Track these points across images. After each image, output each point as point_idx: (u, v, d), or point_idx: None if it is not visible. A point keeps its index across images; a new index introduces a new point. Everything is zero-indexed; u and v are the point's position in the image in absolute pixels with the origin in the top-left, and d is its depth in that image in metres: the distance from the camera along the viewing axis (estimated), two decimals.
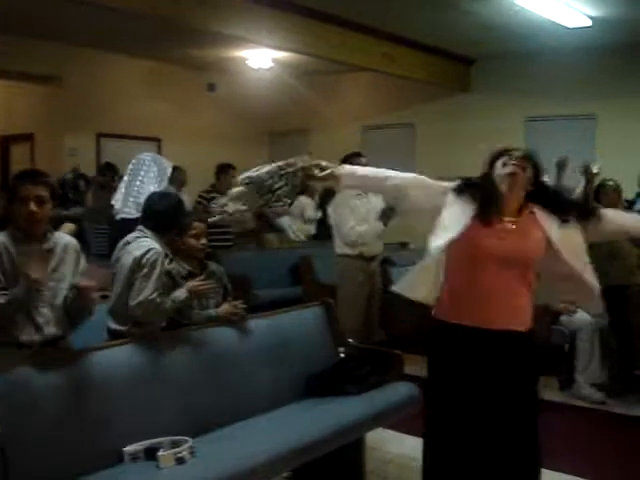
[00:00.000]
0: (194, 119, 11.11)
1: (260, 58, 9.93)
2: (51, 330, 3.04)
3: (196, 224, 3.86)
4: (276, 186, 2.85)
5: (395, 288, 2.93)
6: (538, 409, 2.94)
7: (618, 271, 5.41)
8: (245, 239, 9.04)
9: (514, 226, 2.79)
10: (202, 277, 3.67)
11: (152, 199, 3.74)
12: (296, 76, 10.69)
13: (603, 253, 5.51)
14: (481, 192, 2.82)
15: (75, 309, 3.09)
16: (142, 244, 3.43)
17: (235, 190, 3.03)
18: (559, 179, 6.23)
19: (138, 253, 3.37)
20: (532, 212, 2.82)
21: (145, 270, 3.33)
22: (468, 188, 2.84)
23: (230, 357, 3.59)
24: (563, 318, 5.61)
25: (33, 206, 2.94)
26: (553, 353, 5.76)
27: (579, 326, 5.55)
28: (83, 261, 3.19)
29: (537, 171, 2.86)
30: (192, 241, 3.79)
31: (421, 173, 3.01)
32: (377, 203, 5.55)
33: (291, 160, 2.90)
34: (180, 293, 3.49)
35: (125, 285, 3.39)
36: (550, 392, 5.60)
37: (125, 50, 9.77)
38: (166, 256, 3.48)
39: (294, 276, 7.96)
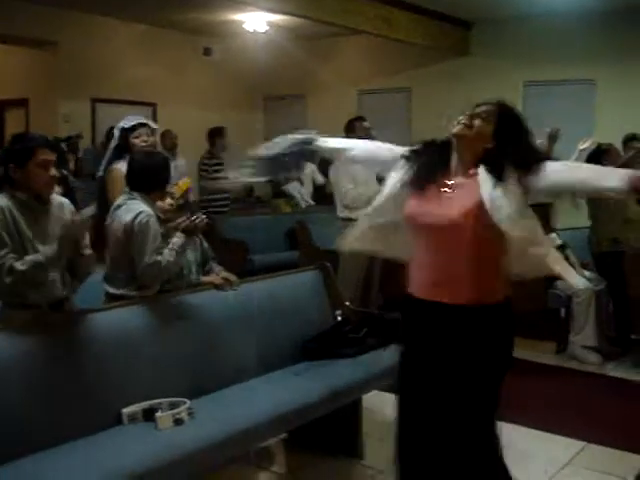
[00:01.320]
0: (190, 83, 11.02)
1: (256, 21, 9.84)
2: (58, 291, 3.04)
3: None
4: (283, 163, 2.87)
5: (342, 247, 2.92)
6: (495, 387, 2.63)
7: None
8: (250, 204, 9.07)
9: (449, 191, 2.56)
10: (185, 216, 3.54)
11: (136, 159, 3.66)
12: (292, 40, 10.59)
13: (617, 219, 5.56)
14: (425, 156, 2.65)
15: (76, 267, 3.08)
16: (131, 207, 3.40)
17: (246, 169, 2.95)
18: (550, 151, 6.23)
19: (128, 218, 3.33)
20: (477, 174, 2.52)
21: (139, 235, 3.30)
22: (417, 153, 2.68)
23: (227, 320, 3.60)
24: (559, 282, 5.63)
25: (54, 171, 3.00)
26: (549, 317, 5.80)
27: (575, 290, 5.57)
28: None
29: (504, 125, 2.55)
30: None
31: (417, 138, 2.95)
32: None
33: (300, 136, 2.86)
34: (176, 239, 3.39)
35: (119, 251, 3.37)
36: (546, 356, 5.65)
37: (121, 14, 9.66)
38: (158, 218, 3.44)
39: (290, 241, 7.98)
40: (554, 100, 9.07)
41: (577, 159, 6.40)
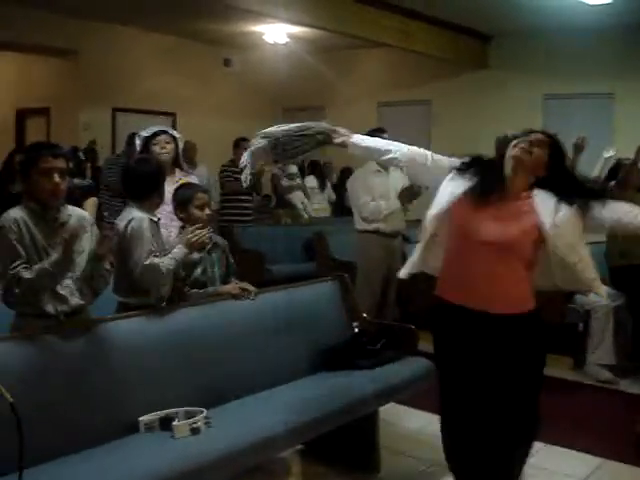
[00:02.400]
0: (209, 94, 11.10)
1: (276, 33, 9.90)
2: (75, 301, 3.05)
3: (200, 195, 3.84)
4: (291, 145, 2.99)
5: (401, 275, 3.00)
6: (538, 388, 2.89)
7: None
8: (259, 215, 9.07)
9: (508, 210, 2.74)
10: (193, 227, 3.54)
11: (130, 166, 3.66)
12: (312, 52, 10.64)
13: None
14: (481, 173, 2.80)
15: (97, 278, 3.09)
16: (124, 215, 3.42)
17: (253, 145, 3.12)
18: (576, 161, 6.20)
19: (122, 225, 3.35)
20: (531, 196, 2.75)
21: (132, 240, 3.29)
22: (471, 167, 2.83)
23: (244, 330, 3.61)
24: (578, 297, 5.60)
25: (57, 178, 2.93)
26: (567, 332, 5.75)
27: (593, 306, 5.53)
28: (97, 231, 3.20)
29: (556, 156, 2.78)
30: (197, 212, 3.78)
31: (436, 151, 3.00)
32: (398, 180, 5.53)
33: (310, 123, 3.02)
34: (177, 250, 3.39)
35: (118, 259, 3.35)
36: (563, 370, 5.61)
37: (142, 25, 9.76)
38: (152, 221, 3.43)
39: (308, 252, 7.98)
40: (573, 113, 9.03)
41: (602, 167, 6.38)
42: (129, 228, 3.32)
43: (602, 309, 5.49)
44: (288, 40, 10.08)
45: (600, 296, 3.04)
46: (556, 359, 5.70)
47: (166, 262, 3.33)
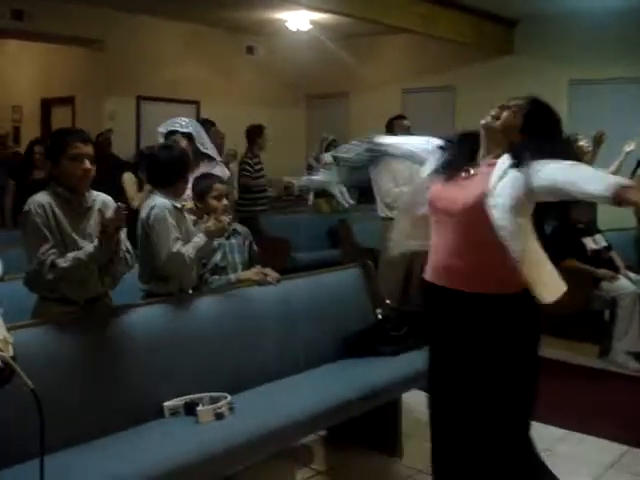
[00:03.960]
0: (233, 82, 11.10)
1: (298, 20, 9.86)
2: (96, 288, 3.08)
3: (217, 185, 3.85)
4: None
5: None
6: (525, 376, 2.59)
7: None
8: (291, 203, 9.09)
9: (470, 180, 2.57)
10: (212, 215, 3.58)
11: (153, 153, 3.67)
12: (334, 39, 10.60)
13: None
14: (455, 147, 2.71)
15: (117, 262, 3.08)
16: (147, 203, 3.43)
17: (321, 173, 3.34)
18: (595, 154, 6.16)
19: (144, 214, 3.36)
20: (495, 163, 2.53)
21: (156, 227, 3.30)
22: (452, 143, 2.74)
23: (269, 316, 3.63)
24: (604, 284, 5.55)
25: (87, 164, 2.97)
26: (593, 319, 5.71)
27: (619, 293, 5.48)
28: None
29: (533, 120, 2.55)
30: (214, 202, 3.79)
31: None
32: None
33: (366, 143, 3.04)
34: (198, 238, 3.40)
35: (142, 247, 3.38)
36: (588, 358, 5.57)
37: (165, 14, 9.76)
38: (175, 208, 3.44)
39: (332, 239, 8.00)
40: (600, 99, 8.92)
41: (623, 161, 6.32)
42: (151, 215, 3.33)
43: (629, 296, 5.44)
44: (311, 27, 10.04)
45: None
46: (582, 347, 5.68)
47: (189, 251, 3.35)
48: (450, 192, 2.60)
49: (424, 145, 2.86)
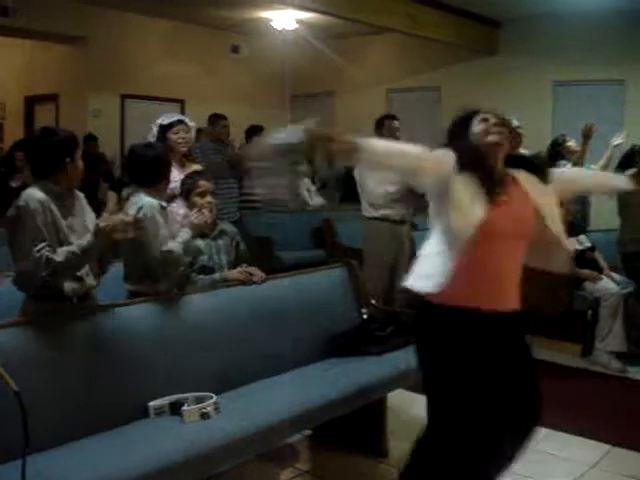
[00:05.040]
0: (218, 81, 11.07)
1: (284, 19, 9.86)
2: (89, 281, 3.08)
3: (202, 182, 3.87)
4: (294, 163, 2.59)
5: (410, 285, 2.65)
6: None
7: None
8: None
9: (510, 197, 2.59)
10: (195, 209, 3.64)
11: (135, 152, 3.63)
12: (320, 38, 10.59)
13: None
14: (478, 170, 2.56)
15: (105, 259, 3.12)
16: (133, 202, 3.42)
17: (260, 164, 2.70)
18: (585, 149, 6.19)
19: (131, 212, 3.33)
20: (514, 178, 2.64)
21: (147, 227, 3.29)
22: (463, 163, 2.55)
23: (253, 316, 3.62)
24: (587, 284, 5.59)
25: (82, 164, 3.09)
26: (575, 319, 5.75)
27: (603, 293, 5.52)
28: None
29: (510, 136, 2.70)
30: (198, 199, 3.80)
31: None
32: None
33: (287, 134, 2.55)
34: (183, 233, 3.42)
35: (131, 247, 3.34)
36: (571, 358, 5.61)
37: (149, 11, 9.73)
38: (162, 208, 3.44)
39: (316, 239, 7.99)
40: (583, 100, 8.99)
41: (611, 155, 6.35)
42: (141, 215, 3.32)
43: (612, 296, 5.49)
44: (297, 26, 10.05)
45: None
46: (564, 346, 5.72)
47: (176, 247, 3.35)
48: (506, 216, 2.55)
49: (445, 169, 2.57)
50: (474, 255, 2.51)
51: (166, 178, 3.56)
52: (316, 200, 9.08)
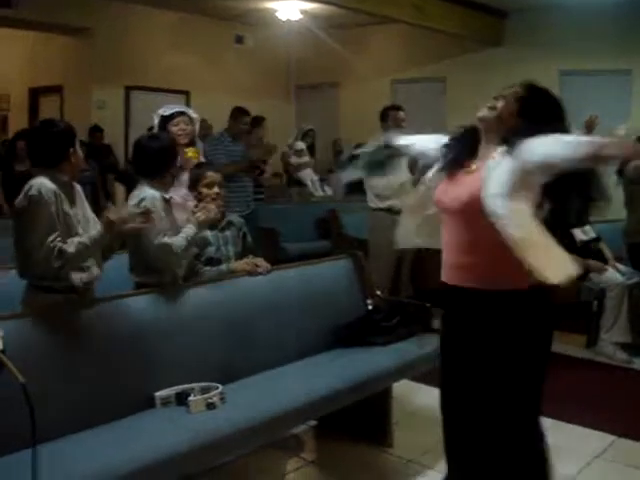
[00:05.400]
0: (222, 71, 11.06)
1: (289, 9, 9.83)
2: (95, 271, 3.08)
3: (209, 173, 3.85)
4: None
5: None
6: (533, 370, 2.63)
7: None
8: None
9: (470, 176, 2.54)
10: (201, 205, 3.62)
11: (140, 143, 3.61)
12: (325, 29, 10.57)
13: None
14: (456, 144, 2.67)
15: (110, 248, 3.12)
16: (135, 193, 3.42)
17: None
18: None
19: (132, 204, 3.34)
20: (494, 155, 2.50)
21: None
22: (454, 141, 2.71)
23: (260, 307, 3.63)
24: (592, 275, 5.58)
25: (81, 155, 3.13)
26: (581, 310, 5.74)
27: (608, 284, 5.51)
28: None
29: (524, 105, 2.52)
30: (205, 190, 3.79)
31: (453, 126, 2.93)
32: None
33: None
34: (188, 229, 3.41)
35: (133, 239, 3.35)
36: (576, 349, 5.61)
37: (154, 2, 9.71)
38: (164, 199, 3.43)
39: (322, 230, 8.00)
40: (590, 90, 8.94)
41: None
42: (142, 207, 3.31)
43: (617, 287, 5.48)
44: (301, 17, 10.02)
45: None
46: (570, 337, 5.71)
47: (178, 241, 3.34)
48: (452, 190, 2.59)
49: (435, 145, 2.82)
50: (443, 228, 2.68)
51: (170, 169, 3.55)
52: (323, 190, 9.12)
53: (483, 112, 2.55)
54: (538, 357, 2.61)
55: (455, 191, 2.57)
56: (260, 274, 3.74)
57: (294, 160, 9.29)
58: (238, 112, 6.74)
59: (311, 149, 9.87)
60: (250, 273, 3.72)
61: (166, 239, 3.30)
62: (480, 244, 2.51)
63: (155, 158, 3.48)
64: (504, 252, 2.36)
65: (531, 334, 2.56)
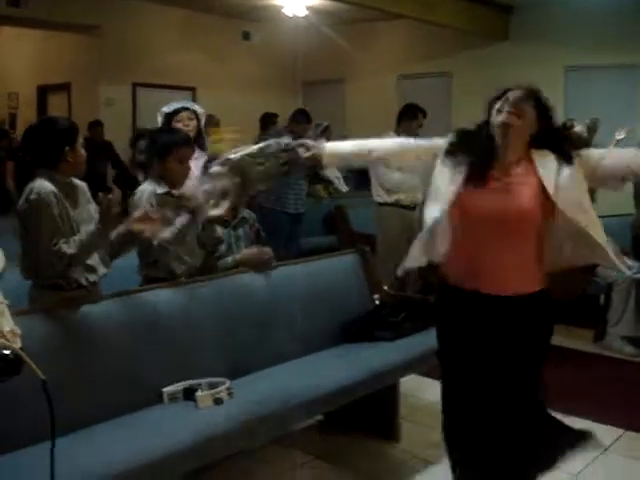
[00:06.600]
0: (229, 68, 11.07)
1: (295, 5, 9.82)
2: (102, 270, 3.10)
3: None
4: (253, 172, 2.75)
5: (400, 270, 2.89)
6: (541, 366, 2.70)
7: None
8: None
9: (509, 181, 2.52)
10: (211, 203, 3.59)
11: (154, 136, 3.65)
12: (331, 24, 10.56)
13: None
14: (472, 150, 2.57)
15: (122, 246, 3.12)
16: (138, 188, 3.47)
17: (214, 170, 2.87)
18: (590, 142, 6.16)
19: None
20: (531, 160, 2.53)
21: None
22: (460, 146, 2.59)
23: (267, 302, 3.64)
24: (600, 269, 5.57)
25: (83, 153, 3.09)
26: (588, 304, 5.74)
27: (615, 278, 5.51)
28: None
29: (541, 110, 2.55)
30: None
31: (459, 123, 2.90)
32: None
33: (270, 142, 2.78)
34: (182, 218, 3.36)
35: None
36: (584, 343, 5.61)
37: None
38: (169, 195, 3.43)
39: (328, 225, 8.00)
40: (596, 86, 8.92)
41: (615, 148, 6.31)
42: (132, 200, 3.38)
43: (624, 281, 5.47)
44: (307, 13, 10.01)
45: (618, 267, 2.78)
46: (577, 332, 5.71)
47: (165, 233, 3.28)
48: (493, 199, 2.53)
49: (430, 147, 2.72)
50: (467, 236, 2.56)
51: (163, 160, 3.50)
52: (343, 187, 9.15)
53: (509, 118, 2.50)
54: (545, 349, 2.69)
55: (503, 201, 2.51)
56: (267, 268, 3.73)
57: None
58: (300, 115, 6.74)
59: None
60: (256, 268, 3.71)
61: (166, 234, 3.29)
62: (524, 249, 2.55)
63: (149, 155, 3.54)
64: (535, 254, 2.55)
65: (543, 330, 2.67)
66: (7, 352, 1.82)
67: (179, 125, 4.26)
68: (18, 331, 1.96)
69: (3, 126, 10.23)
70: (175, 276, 3.41)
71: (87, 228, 2.92)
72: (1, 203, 7.13)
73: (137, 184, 3.74)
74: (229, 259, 3.78)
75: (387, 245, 5.63)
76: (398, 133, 5.76)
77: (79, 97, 10.20)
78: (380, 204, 5.77)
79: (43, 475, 2.00)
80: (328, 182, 9.18)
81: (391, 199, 5.65)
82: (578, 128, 6.28)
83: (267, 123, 7.95)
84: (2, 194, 7.33)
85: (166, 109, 4.37)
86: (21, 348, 1.90)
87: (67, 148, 2.97)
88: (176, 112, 4.32)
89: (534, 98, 2.55)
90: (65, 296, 2.99)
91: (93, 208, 3.12)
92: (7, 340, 1.87)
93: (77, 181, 3.15)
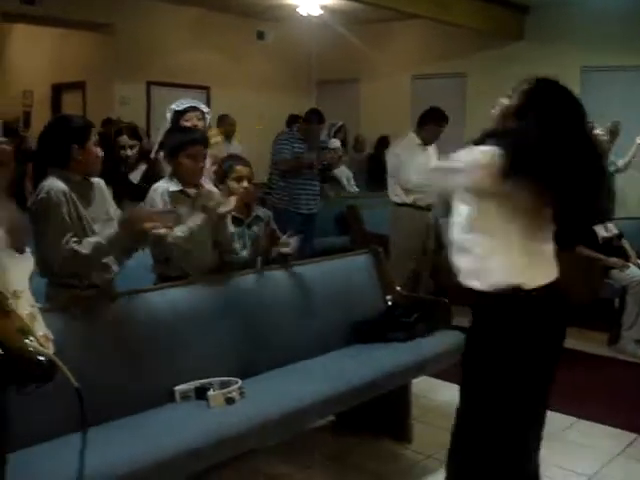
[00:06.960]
0: (243, 67, 11.08)
1: (309, 5, 9.81)
2: (116, 268, 3.10)
3: (239, 167, 3.76)
4: None
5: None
6: None
7: None
8: None
9: None
10: (222, 198, 3.55)
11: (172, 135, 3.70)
12: (345, 24, 10.54)
13: None
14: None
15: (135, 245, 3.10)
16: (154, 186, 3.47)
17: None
18: (611, 145, 6.13)
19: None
20: None
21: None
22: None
23: (280, 302, 3.64)
24: (614, 272, 5.55)
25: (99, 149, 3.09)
26: (602, 307, 5.71)
27: (630, 281, 5.48)
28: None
29: (530, 103, 2.39)
30: (233, 184, 3.70)
31: (472, 124, 2.86)
32: (434, 154, 5.53)
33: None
34: (196, 218, 3.36)
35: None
36: (598, 346, 5.58)
37: None
38: (182, 193, 3.43)
39: (341, 226, 7.99)
40: (613, 86, 8.86)
41: (635, 152, 6.29)
42: (148, 199, 3.38)
43: (639, 284, 5.43)
44: (321, 12, 9.99)
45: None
46: (591, 335, 5.68)
47: (177, 231, 3.26)
48: None
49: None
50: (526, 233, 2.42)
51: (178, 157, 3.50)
52: (353, 187, 9.15)
53: (494, 109, 2.46)
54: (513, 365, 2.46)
55: None
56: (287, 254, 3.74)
57: (330, 157, 9.26)
58: (312, 115, 6.72)
59: (342, 145, 9.83)
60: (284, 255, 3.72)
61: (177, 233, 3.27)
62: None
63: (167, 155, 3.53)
64: None
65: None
66: (42, 358, 1.81)
67: (187, 124, 4.26)
68: (51, 336, 1.96)
69: (17, 124, 10.25)
70: (187, 274, 3.40)
71: (106, 230, 2.92)
72: (21, 204, 7.14)
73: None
74: (243, 253, 3.73)
75: (401, 246, 5.61)
76: (419, 134, 5.74)
77: (94, 95, 10.23)
78: (397, 204, 5.74)
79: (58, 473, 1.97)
80: (337, 182, 9.18)
81: (409, 199, 5.63)
82: (598, 130, 6.26)
83: (292, 124, 7.98)
84: (21, 196, 7.36)
85: (175, 106, 4.36)
86: (54, 353, 1.89)
87: (76, 147, 2.96)
88: (185, 111, 4.32)
89: (529, 90, 2.49)
90: (80, 294, 2.99)
91: (113, 208, 3.12)
92: (41, 345, 1.86)
93: (94, 179, 3.14)
